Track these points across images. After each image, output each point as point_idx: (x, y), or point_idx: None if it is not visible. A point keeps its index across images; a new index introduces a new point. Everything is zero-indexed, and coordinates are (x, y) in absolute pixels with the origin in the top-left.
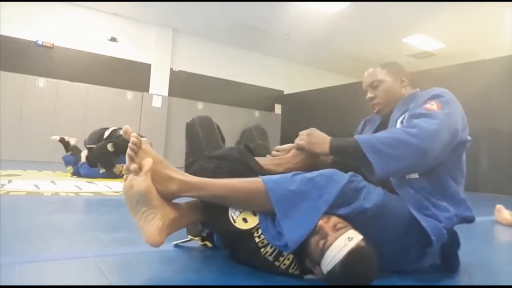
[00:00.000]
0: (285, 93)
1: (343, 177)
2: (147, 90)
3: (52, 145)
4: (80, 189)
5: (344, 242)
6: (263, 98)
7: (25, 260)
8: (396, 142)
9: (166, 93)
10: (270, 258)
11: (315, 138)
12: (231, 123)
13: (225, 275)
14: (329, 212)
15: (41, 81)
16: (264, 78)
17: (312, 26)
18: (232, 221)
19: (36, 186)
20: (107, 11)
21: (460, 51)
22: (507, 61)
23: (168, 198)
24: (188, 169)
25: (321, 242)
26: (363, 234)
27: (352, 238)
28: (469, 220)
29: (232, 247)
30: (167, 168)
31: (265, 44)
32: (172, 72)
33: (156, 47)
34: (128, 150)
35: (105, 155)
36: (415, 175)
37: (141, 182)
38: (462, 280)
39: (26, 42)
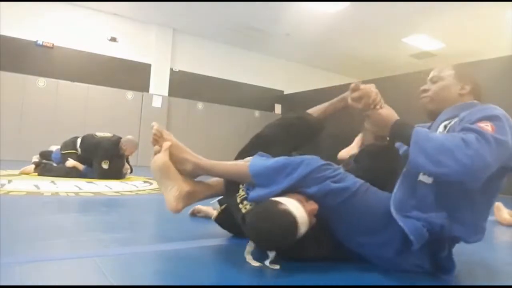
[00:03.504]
0: (285, 93)
1: (315, 163)
2: (147, 90)
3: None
4: (80, 189)
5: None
6: (263, 98)
7: (25, 260)
8: (449, 152)
9: (166, 93)
10: (238, 200)
11: (379, 120)
12: (231, 123)
13: (224, 275)
14: (299, 190)
15: (41, 81)
16: (264, 78)
17: (312, 26)
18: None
19: (36, 186)
20: (107, 11)
21: (460, 51)
22: (507, 61)
23: (188, 176)
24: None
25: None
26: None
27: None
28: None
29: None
30: (184, 152)
31: (265, 44)
32: (172, 72)
33: (156, 47)
34: (152, 138)
35: (108, 171)
36: (428, 180)
37: (160, 158)
38: (461, 280)
39: (26, 42)
